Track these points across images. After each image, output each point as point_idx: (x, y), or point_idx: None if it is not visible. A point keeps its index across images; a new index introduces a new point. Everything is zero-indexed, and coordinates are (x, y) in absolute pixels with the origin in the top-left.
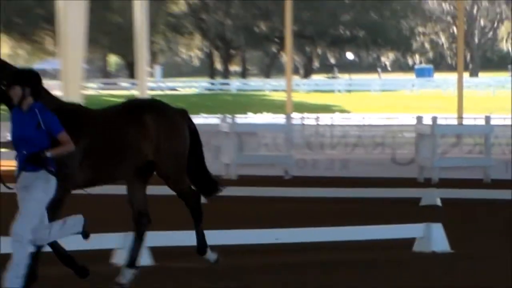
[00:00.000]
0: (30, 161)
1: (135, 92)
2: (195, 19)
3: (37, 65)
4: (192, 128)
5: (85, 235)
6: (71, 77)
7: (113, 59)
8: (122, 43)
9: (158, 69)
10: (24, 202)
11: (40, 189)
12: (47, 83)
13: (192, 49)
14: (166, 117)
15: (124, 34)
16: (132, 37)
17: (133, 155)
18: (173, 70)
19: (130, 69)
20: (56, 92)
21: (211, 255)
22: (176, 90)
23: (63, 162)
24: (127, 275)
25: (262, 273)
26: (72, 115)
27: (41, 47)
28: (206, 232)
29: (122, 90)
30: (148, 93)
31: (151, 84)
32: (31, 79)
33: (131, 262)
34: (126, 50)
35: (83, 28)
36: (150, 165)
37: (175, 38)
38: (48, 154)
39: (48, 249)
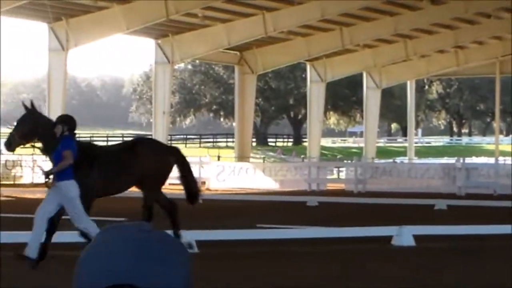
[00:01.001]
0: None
1: (406, 145)
2: (442, 102)
3: (349, 129)
4: (181, 159)
5: None
6: (370, 136)
7: (394, 125)
8: (400, 116)
9: (419, 131)
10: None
11: (60, 195)
12: (356, 141)
13: (439, 119)
14: (152, 149)
15: (401, 111)
16: (406, 113)
17: (128, 174)
18: (428, 132)
19: (403, 131)
20: (362, 145)
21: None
22: (429, 143)
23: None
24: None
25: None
26: (89, 148)
27: (353, 118)
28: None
29: (398, 144)
30: (413, 146)
31: (415, 140)
32: (68, 121)
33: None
34: (402, 120)
35: (378, 108)
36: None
37: (430, 113)
38: (53, 170)
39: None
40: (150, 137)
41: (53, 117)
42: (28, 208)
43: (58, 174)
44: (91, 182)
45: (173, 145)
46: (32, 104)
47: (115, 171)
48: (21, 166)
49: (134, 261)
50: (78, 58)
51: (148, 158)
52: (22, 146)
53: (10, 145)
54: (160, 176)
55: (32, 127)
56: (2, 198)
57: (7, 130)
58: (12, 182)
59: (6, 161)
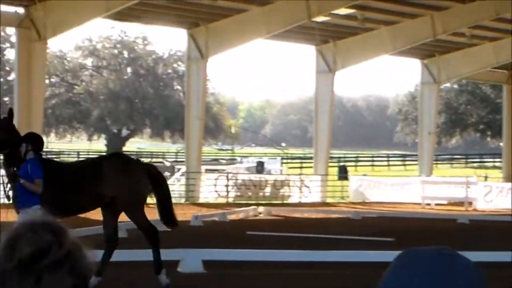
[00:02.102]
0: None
1: None
2: None
3: None
4: (156, 178)
5: None
6: None
7: None
8: None
9: None
10: None
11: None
12: None
13: None
14: (120, 166)
15: None
16: None
17: (91, 192)
18: None
19: None
20: None
21: (162, 278)
22: None
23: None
24: (93, 282)
25: None
26: (52, 166)
27: None
28: None
29: None
30: None
31: None
32: (33, 140)
33: (98, 272)
34: None
35: None
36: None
37: None
38: (22, 181)
39: None
40: (123, 152)
41: (320, 136)
42: (295, 227)
43: (24, 200)
44: (49, 202)
45: (438, 165)
46: (10, 113)
47: (75, 190)
48: (289, 186)
49: (437, 283)
50: (344, 78)
51: (115, 176)
52: None
53: None
54: (131, 196)
55: (5, 137)
56: (271, 217)
57: (275, 151)
58: (280, 202)
59: (274, 181)
